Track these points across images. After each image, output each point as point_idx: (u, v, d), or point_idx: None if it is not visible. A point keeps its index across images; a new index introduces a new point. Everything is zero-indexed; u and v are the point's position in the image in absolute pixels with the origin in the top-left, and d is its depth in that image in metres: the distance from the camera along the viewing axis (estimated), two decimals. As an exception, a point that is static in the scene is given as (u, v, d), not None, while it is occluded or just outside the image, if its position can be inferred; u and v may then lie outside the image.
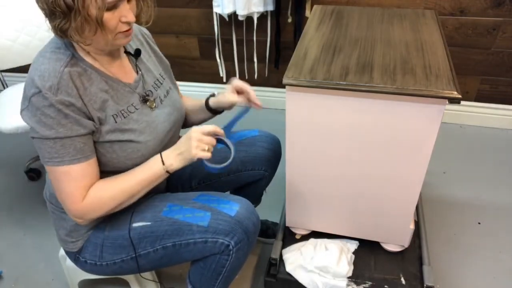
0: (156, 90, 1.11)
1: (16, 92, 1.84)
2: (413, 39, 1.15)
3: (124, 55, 1.08)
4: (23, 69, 1.94)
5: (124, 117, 1.01)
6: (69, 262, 1.30)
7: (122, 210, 1.10)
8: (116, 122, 0.99)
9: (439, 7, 1.93)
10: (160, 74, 1.16)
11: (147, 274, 1.33)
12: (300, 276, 1.24)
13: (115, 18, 0.90)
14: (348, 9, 1.36)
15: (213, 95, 1.27)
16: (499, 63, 2.02)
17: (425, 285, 1.18)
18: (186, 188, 1.32)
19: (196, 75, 2.48)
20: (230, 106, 1.20)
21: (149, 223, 1.06)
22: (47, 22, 0.91)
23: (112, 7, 0.88)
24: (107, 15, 0.88)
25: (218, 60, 2.30)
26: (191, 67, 2.45)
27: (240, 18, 2.04)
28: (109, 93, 0.99)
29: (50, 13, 0.87)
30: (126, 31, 0.94)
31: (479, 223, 1.67)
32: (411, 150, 1.05)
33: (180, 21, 2.28)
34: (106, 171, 1.03)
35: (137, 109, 1.05)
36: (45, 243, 1.69)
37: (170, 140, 1.15)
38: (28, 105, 0.91)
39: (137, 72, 1.08)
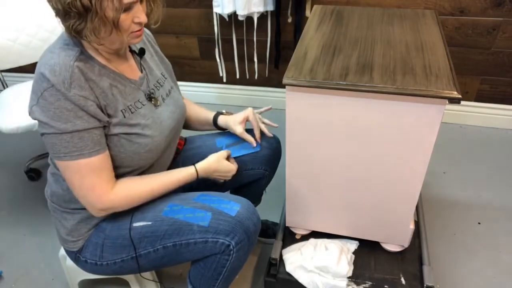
0: (158, 89, 1.13)
1: (16, 92, 1.84)
2: (413, 39, 1.15)
3: (129, 53, 1.09)
4: (23, 69, 1.94)
5: (132, 112, 1.03)
6: (69, 262, 1.30)
7: (123, 210, 1.11)
8: (124, 116, 1.01)
9: (439, 7, 1.93)
10: (162, 74, 1.17)
11: (147, 274, 1.33)
12: (300, 276, 1.24)
13: (128, 19, 0.92)
14: (348, 9, 1.36)
15: (221, 113, 1.33)
16: (499, 63, 2.02)
17: (425, 285, 1.18)
18: (187, 188, 1.32)
19: (196, 75, 2.48)
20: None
21: (149, 223, 1.06)
22: (60, 21, 0.91)
23: (127, 9, 0.90)
24: (123, 16, 0.90)
25: (218, 60, 2.30)
26: (191, 67, 2.45)
27: (240, 18, 2.04)
28: (118, 88, 1.01)
29: (64, 13, 0.88)
30: (138, 31, 0.96)
31: (479, 223, 1.67)
32: (411, 150, 1.05)
33: (180, 21, 2.28)
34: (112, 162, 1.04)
35: (144, 105, 1.06)
36: (45, 243, 1.69)
37: (173, 137, 1.17)
38: (39, 100, 0.91)
39: (141, 71, 1.10)
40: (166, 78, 1.18)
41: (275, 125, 1.34)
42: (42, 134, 0.94)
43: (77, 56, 0.94)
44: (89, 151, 0.94)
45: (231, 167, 1.19)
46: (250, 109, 1.30)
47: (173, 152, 1.23)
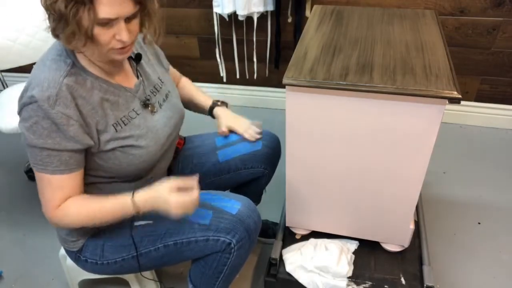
0: (155, 95, 1.11)
1: (16, 92, 1.83)
2: (413, 39, 1.15)
3: (126, 60, 1.07)
4: (23, 69, 1.94)
5: (125, 124, 1.01)
6: (69, 261, 1.30)
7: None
8: (116, 130, 0.99)
9: (439, 7, 1.93)
10: (159, 78, 1.15)
11: (147, 273, 1.33)
12: (300, 276, 1.24)
13: (108, 34, 0.88)
14: (348, 9, 1.36)
15: (216, 103, 1.31)
16: (499, 63, 2.02)
17: (425, 285, 1.18)
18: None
19: (196, 75, 2.47)
20: None
21: (150, 222, 1.06)
22: (46, 20, 0.90)
23: (104, 24, 0.86)
24: (99, 30, 0.86)
25: (218, 60, 2.30)
26: (191, 67, 2.45)
27: (240, 18, 2.04)
28: (110, 101, 0.99)
29: (48, 14, 0.87)
30: (121, 48, 0.92)
31: (479, 223, 1.67)
32: (411, 150, 1.05)
33: (180, 21, 2.28)
34: (107, 177, 1.04)
35: (138, 114, 1.04)
36: (45, 243, 1.68)
37: (170, 144, 1.16)
38: (22, 110, 0.91)
39: (137, 77, 1.08)
40: (163, 83, 1.16)
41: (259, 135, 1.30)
42: None
43: (68, 70, 0.93)
44: (53, 168, 0.93)
45: (180, 200, 0.95)
46: (246, 126, 1.28)
47: (172, 154, 1.23)
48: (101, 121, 0.97)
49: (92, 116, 0.95)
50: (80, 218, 0.99)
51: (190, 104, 1.34)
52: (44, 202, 0.98)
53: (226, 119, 1.29)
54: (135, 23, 0.92)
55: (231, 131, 1.30)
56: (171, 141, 1.15)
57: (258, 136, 1.28)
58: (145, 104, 1.07)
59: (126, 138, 1.00)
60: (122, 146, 1.00)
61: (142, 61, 1.11)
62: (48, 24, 0.89)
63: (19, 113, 0.93)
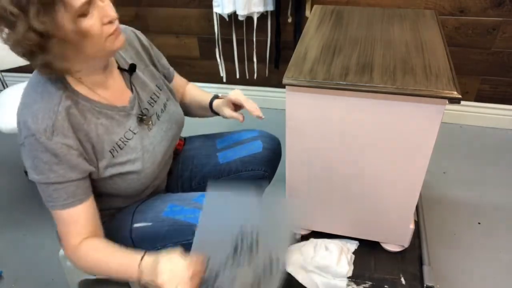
0: (153, 106, 1.08)
1: (16, 92, 1.84)
2: (413, 39, 1.15)
3: (118, 72, 1.02)
4: (23, 69, 1.94)
5: (121, 148, 0.99)
6: (69, 262, 1.29)
7: (123, 211, 1.11)
8: (113, 156, 0.97)
9: (439, 7, 1.93)
10: (157, 86, 1.12)
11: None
12: (300, 276, 1.24)
13: (96, 23, 0.82)
14: (348, 9, 1.36)
15: (217, 96, 1.28)
16: (499, 63, 2.02)
17: (425, 285, 1.18)
18: (186, 188, 1.32)
19: (196, 75, 2.48)
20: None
21: (150, 224, 1.06)
22: (32, 64, 0.84)
23: (86, 11, 0.80)
24: (86, 22, 0.80)
25: (218, 60, 2.30)
26: (191, 67, 2.45)
27: (240, 18, 2.04)
28: (104, 125, 0.96)
29: (30, 54, 0.81)
30: (114, 32, 0.86)
31: (479, 223, 1.67)
32: (411, 150, 1.05)
33: (180, 21, 2.28)
34: (107, 194, 1.04)
35: (134, 133, 1.02)
36: (45, 243, 1.69)
37: (169, 156, 1.16)
38: (22, 145, 0.89)
39: (131, 90, 1.04)
40: (161, 90, 1.13)
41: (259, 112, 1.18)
42: None
43: (61, 96, 0.88)
44: (62, 203, 0.91)
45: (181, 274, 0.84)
46: (236, 90, 1.20)
47: (171, 162, 1.23)
48: (96, 147, 0.95)
49: (89, 143, 0.93)
50: (89, 265, 0.95)
51: (195, 108, 1.30)
52: (61, 237, 0.96)
53: (225, 99, 1.21)
54: (108, 1, 0.86)
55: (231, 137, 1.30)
56: (170, 154, 1.15)
57: (259, 113, 1.16)
58: (141, 120, 1.04)
59: (123, 164, 0.99)
60: (120, 173, 0.99)
61: (137, 70, 1.07)
62: (34, 66, 0.83)
63: (22, 146, 0.89)
